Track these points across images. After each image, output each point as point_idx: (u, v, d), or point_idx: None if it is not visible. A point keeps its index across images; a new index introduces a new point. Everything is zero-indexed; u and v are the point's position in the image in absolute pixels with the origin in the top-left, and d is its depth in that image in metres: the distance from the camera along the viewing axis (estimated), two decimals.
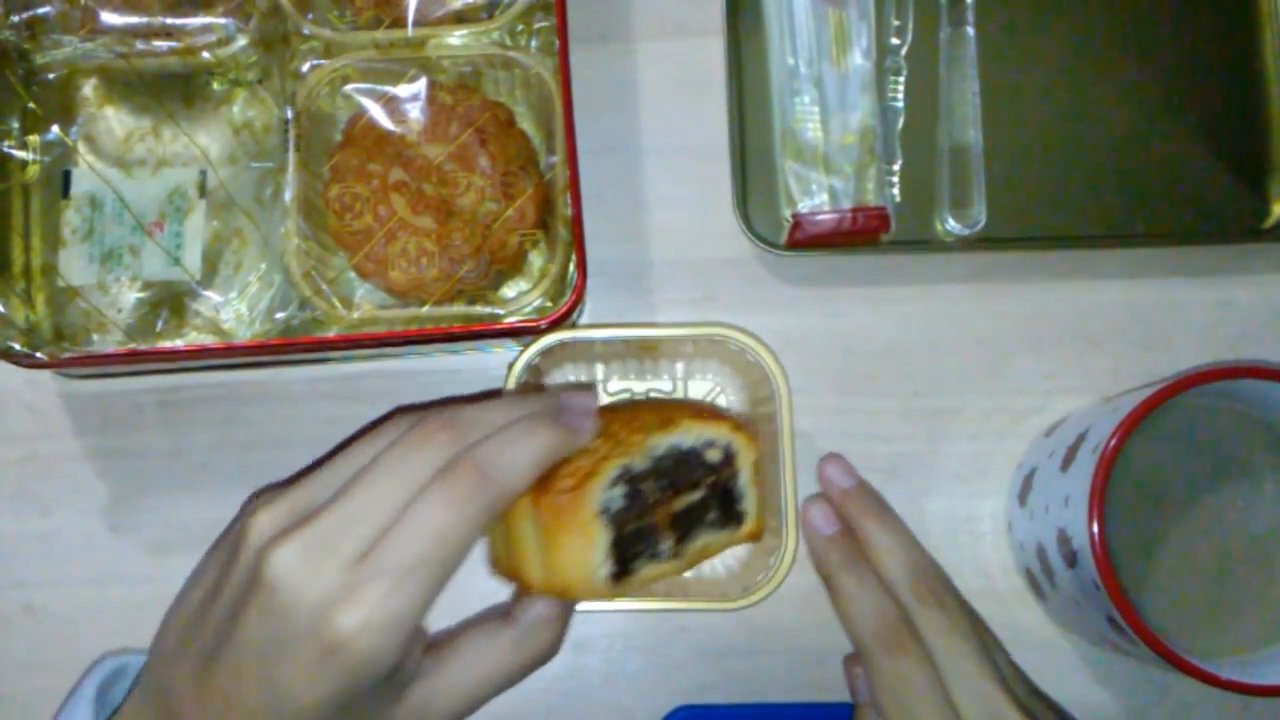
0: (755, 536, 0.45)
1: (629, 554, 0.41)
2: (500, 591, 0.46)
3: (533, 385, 0.52)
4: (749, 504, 0.45)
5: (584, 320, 0.58)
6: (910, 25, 0.59)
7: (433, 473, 0.40)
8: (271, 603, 0.39)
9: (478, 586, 0.46)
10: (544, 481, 0.41)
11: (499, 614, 0.44)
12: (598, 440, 0.43)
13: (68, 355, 0.52)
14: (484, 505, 0.40)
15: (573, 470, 0.41)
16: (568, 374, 0.57)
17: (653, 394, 0.57)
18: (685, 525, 0.43)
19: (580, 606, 0.51)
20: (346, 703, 0.40)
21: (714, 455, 0.44)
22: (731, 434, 0.45)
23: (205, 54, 0.54)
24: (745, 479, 0.45)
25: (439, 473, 0.40)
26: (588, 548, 0.40)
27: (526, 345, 0.53)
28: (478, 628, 0.44)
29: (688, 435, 0.44)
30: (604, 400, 0.57)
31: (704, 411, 0.46)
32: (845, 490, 0.53)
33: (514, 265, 0.55)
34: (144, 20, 0.54)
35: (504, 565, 0.44)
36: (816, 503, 0.53)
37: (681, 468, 0.43)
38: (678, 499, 0.43)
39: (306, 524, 0.40)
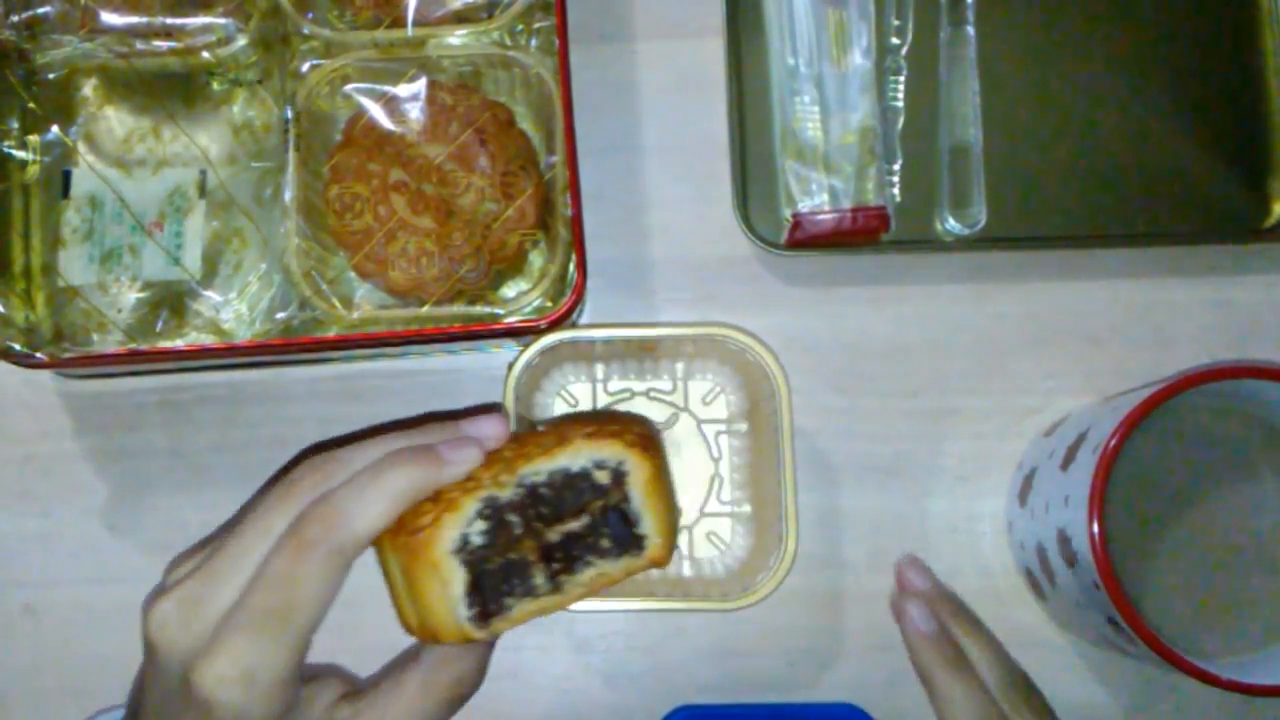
0: (660, 561, 0.41)
1: (495, 592, 0.39)
2: None
3: (458, 412, 0.49)
4: (648, 526, 0.40)
5: (584, 320, 0.58)
6: (910, 25, 0.59)
7: (290, 522, 0.40)
8: (154, 661, 0.41)
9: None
10: (408, 515, 0.40)
11: (412, 654, 0.43)
12: (481, 470, 0.40)
13: (68, 355, 0.52)
14: (328, 552, 0.39)
15: (434, 504, 0.39)
16: (567, 374, 0.57)
17: (653, 394, 0.57)
18: (568, 555, 0.39)
19: (580, 606, 0.51)
20: None
21: (601, 477, 0.40)
22: (623, 452, 0.40)
23: (205, 54, 0.54)
24: (639, 499, 0.40)
25: (290, 523, 0.40)
26: (443, 589, 0.38)
27: (526, 345, 0.53)
28: (390, 672, 0.43)
29: (571, 458, 0.40)
30: (594, 403, 0.57)
31: (600, 429, 0.41)
32: (928, 592, 0.54)
33: (514, 265, 0.55)
34: (144, 20, 0.54)
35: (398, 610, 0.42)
36: (913, 601, 0.53)
37: (563, 493, 0.39)
38: (555, 527, 0.39)
39: (183, 581, 0.41)
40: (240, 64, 0.55)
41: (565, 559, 0.39)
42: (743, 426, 0.56)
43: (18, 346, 0.51)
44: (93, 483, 0.57)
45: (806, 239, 0.56)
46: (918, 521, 0.56)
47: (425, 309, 0.53)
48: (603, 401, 0.57)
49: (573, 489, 0.39)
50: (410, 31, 0.54)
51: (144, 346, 0.52)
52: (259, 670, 0.39)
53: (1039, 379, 0.57)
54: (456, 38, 0.54)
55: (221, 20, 0.54)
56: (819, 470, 0.57)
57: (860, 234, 0.56)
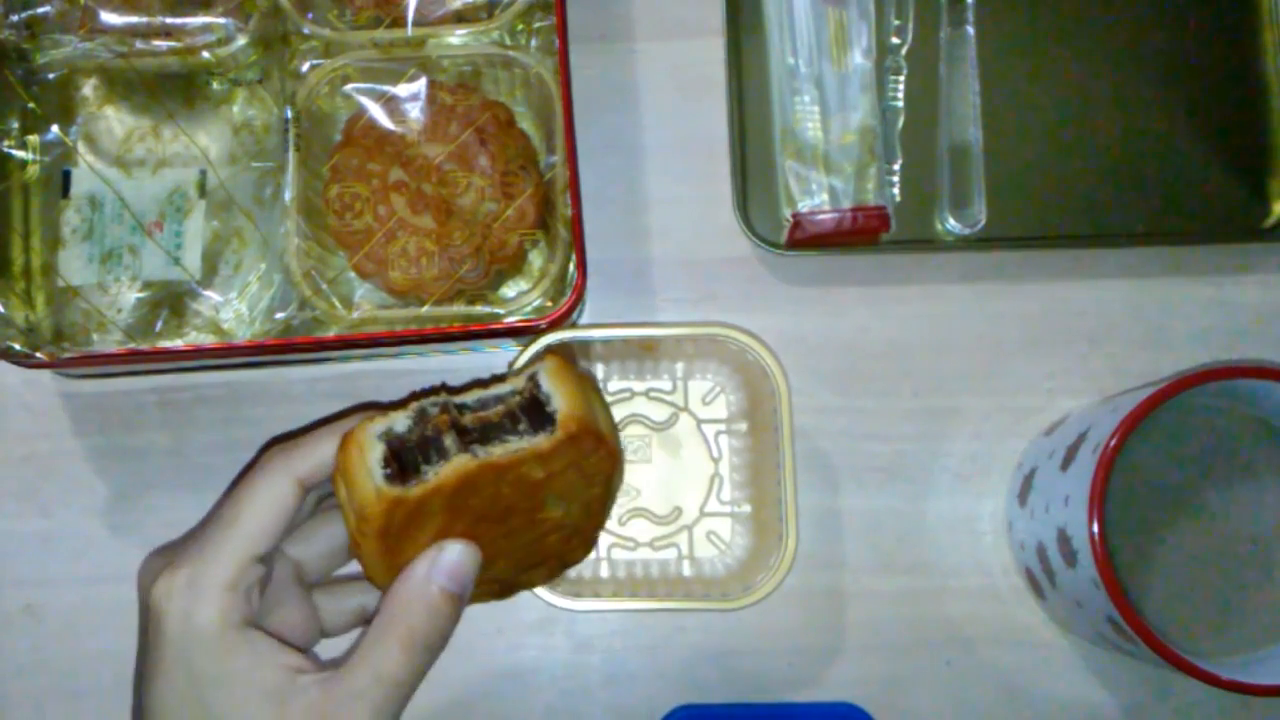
0: (572, 431, 0.41)
1: (410, 458, 0.41)
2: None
3: None
4: (557, 402, 0.42)
5: (584, 320, 0.58)
6: (910, 25, 0.59)
7: None
8: (141, 603, 0.42)
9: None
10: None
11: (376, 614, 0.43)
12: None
13: (68, 355, 0.52)
14: (275, 477, 0.41)
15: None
16: None
17: (653, 394, 0.57)
18: (484, 435, 0.42)
19: (580, 606, 0.51)
20: (187, 689, 0.40)
21: (518, 383, 0.43)
22: (540, 363, 0.43)
23: (205, 54, 0.54)
24: (548, 383, 0.42)
25: None
26: (365, 463, 0.40)
27: (526, 345, 0.53)
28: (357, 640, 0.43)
29: (497, 387, 0.43)
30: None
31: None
32: None
33: (514, 265, 0.55)
34: (144, 20, 0.54)
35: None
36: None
37: (486, 401, 0.42)
38: (473, 416, 0.42)
39: (170, 543, 0.45)
40: (240, 64, 0.55)
41: (481, 436, 0.41)
42: (743, 426, 0.56)
43: (18, 346, 0.51)
44: (93, 483, 0.57)
45: (806, 239, 0.56)
46: (918, 521, 0.56)
47: (425, 309, 0.53)
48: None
49: (496, 400, 0.42)
50: (410, 31, 0.54)
51: (144, 346, 0.52)
52: (201, 574, 0.40)
53: (1039, 379, 0.57)
54: (456, 38, 0.54)
55: (221, 20, 0.54)
56: (819, 470, 0.57)
57: (860, 234, 0.56)
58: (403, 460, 0.40)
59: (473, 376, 0.57)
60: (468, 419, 0.42)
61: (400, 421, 0.41)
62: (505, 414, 0.42)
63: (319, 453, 0.42)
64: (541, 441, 0.41)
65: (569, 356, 0.45)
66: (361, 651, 0.41)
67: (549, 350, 0.45)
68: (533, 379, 0.42)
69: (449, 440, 0.41)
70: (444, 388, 0.44)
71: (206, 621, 0.40)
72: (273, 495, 0.41)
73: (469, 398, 0.42)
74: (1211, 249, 0.58)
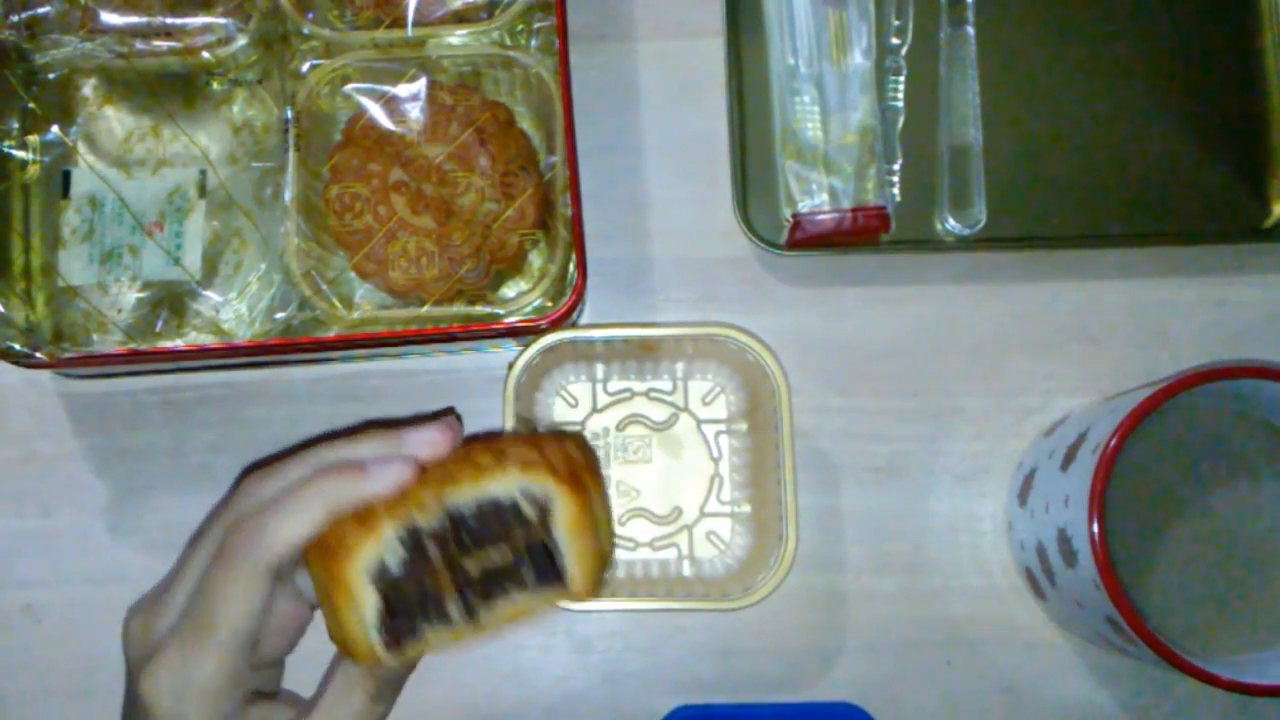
0: (581, 597, 0.40)
1: (409, 619, 0.39)
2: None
3: (423, 416, 0.48)
4: (570, 562, 0.39)
5: (584, 320, 0.58)
6: (910, 25, 0.59)
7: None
8: (127, 673, 0.43)
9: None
10: (333, 534, 0.39)
11: (334, 668, 0.43)
12: (413, 488, 0.40)
13: (68, 355, 0.52)
14: (247, 564, 0.39)
15: (359, 525, 0.39)
16: (567, 374, 0.57)
17: (653, 394, 0.57)
18: (486, 586, 0.39)
19: (580, 606, 0.51)
20: None
21: (528, 509, 0.39)
22: (550, 486, 0.39)
23: (205, 54, 0.54)
24: (563, 536, 0.39)
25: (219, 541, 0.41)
26: (357, 612, 0.38)
27: (526, 345, 0.53)
28: (320, 688, 0.43)
29: (500, 487, 0.39)
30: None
31: (534, 457, 0.40)
32: None
33: (514, 265, 0.55)
34: (144, 20, 0.54)
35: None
36: None
37: (488, 523, 0.39)
38: (475, 558, 0.39)
39: (147, 597, 0.44)
40: (240, 64, 0.55)
41: (483, 589, 0.39)
42: (743, 426, 0.56)
43: (18, 346, 0.51)
44: (93, 483, 0.57)
45: (806, 239, 0.56)
46: (918, 521, 0.56)
47: (425, 309, 0.53)
48: (602, 401, 0.57)
49: (498, 518, 0.40)
50: (410, 31, 0.54)
51: (144, 346, 0.52)
52: (189, 679, 0.40)
53: (1039, 379, 0.57)
54: (456, 38, 0.54)
55: (221, 20, 0.54)
56: (819, 470, 0.57)
57: (860, 234, 0.56)
58: (396, 615, 0.39)
59: (473, 376, 0.57)
60: (470, 564, 0.39)
61: (394, 556, 0.38)
62: (511, 558, 0.40)
63: (287, 537, 0.40)
64: (546, 596, 0.40)
65: (589, 482, 0.41)
66: (325, 704, 0.42)
67: (570, 467, 0.40)
68: (545, 518, 0.39)
69: (451, 607, 0.39)
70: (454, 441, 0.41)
71: None
72: (248, 593, 0.40)
73: (467, 508, 0.39)
74: (1211, 249, 0.58)
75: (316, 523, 0.40)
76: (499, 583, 0.40)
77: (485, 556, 0.39)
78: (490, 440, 0.43)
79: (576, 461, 0.41)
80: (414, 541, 0.39)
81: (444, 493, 0.39)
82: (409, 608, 0.39)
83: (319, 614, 0.44)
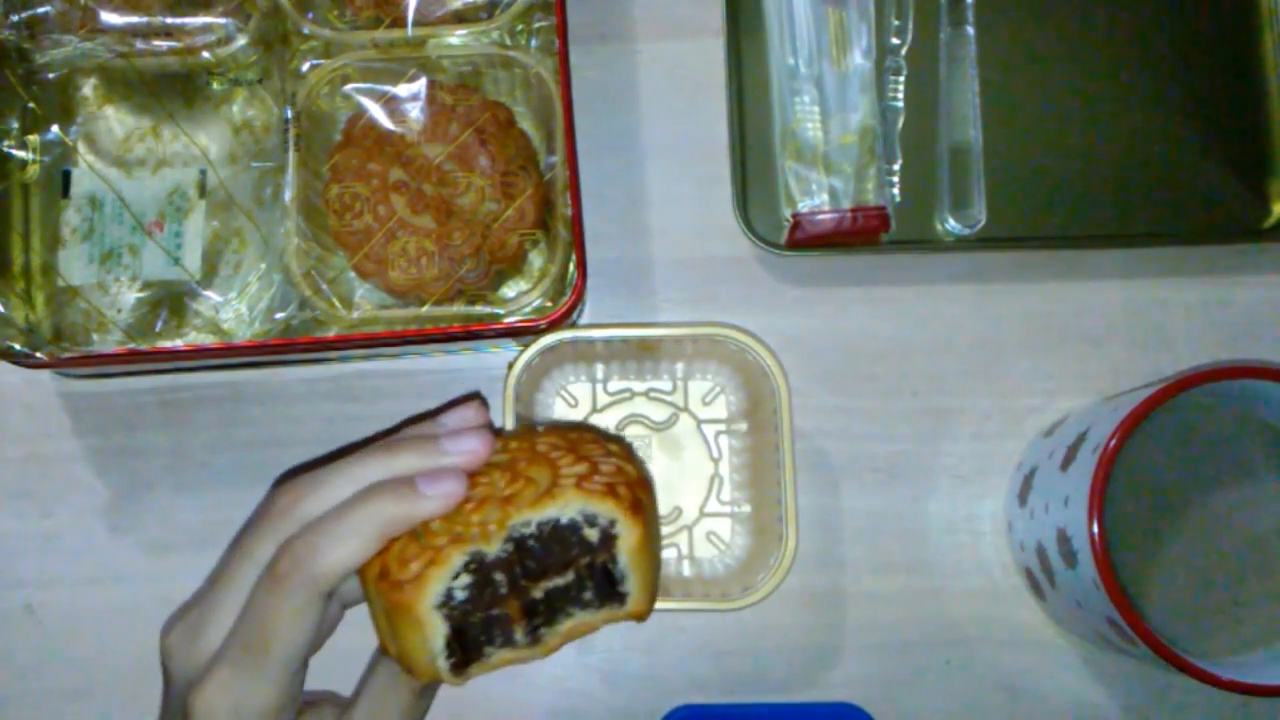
0: (641, 617, 0.41)
1: (475, 643, 0.39)
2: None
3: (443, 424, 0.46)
4: (631, 585, 0.40)
5: (584, 320, 0.58)
6: (910, 25, 0.59)
7: (272, 553, 0.41)
8: (166, 688, 0.43)
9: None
10: (394, 559, 0.39)
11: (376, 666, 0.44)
12: (469, 509, 0.40)
13: (68, 355, 0.52)
14: (300, 588, 0.39)
15: (420, 549, 0.39)
16: (567, 374, 0.57)
17: (653, 394, 0.57)
18: (550, 608, 0.40)
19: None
20: None
21: (591, 534, 0.40)
22: (614, 510, 0.40)
23: (205, 54, 0.54)
24: (626, 561, 0.40)
25: (272, 555, 0.40)
26: (425, 640, 0.38)
27: (526, 345, 0.53)
28: (362, 686, 0.44)
29: (561, 510, 0.39)
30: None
31: (592, 474, 0.40)
32: None
33: (514, 265, 0.55)
34: (144, 20, 0.54)
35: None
36: None
37: (551, 547, 0.39)
38: (539, 583, 0.39)
39: (189, 609, 0.42)
40: (240, 64, 0.55)
41: (547, 612, 0.40)
42: (743, 426, 0.56)
43: (18, 346, 0.51)
44: (93, 483, 0.57)
45: (806, 239, 0.56)
46: (918, 521, 0.56)
47: (425, 309, 0.53)
48: (602, 401, 0.57)
49: (561, 542, 0.40)
50: (410, 31, 0.54)
51: (144, 346, 0.52)
52: (244, 701, 0.40)
53: (1039, 379, 0.57)
54: (456, 38, 0.54)
55: (221, 20, 0.54)
56: (819, 470, 0.57)
57: (860, 234, 0.56)
58: (464, 641, 0.39)
59: (473, 376, 0.57)
60: (535, 590, 0.39)
61: (461, 587, 0.38)
62: (574, 579, 0.40)
63: (343, 561, 0.39)
64: (604, 615, 0.40)
65: (647, 503, 0.41)
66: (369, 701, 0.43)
67: (631, 491, 0.40)
68: (609, 543, 0.40)
69: (518, 633, 0.39)
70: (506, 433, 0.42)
71: None
72: (302, 617, 0.39)
73: (530, 530, 0.39)
74: (1211, 249, 0.58)
75: (371, 546, 0.39)
76: (561, 604, 0.40)
77: (549, 580, 0.40)
78: (531, 441, 0.43)
79: (633, 479, 0.41)
80: (480, 570, 0.39)
81: (506, 515, 0.39)
82: (475, 634, 0.39)
83: (348, 612, 0.45)
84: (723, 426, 0.57)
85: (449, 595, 0.38)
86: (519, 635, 0.40)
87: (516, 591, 0.39)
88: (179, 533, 0.56)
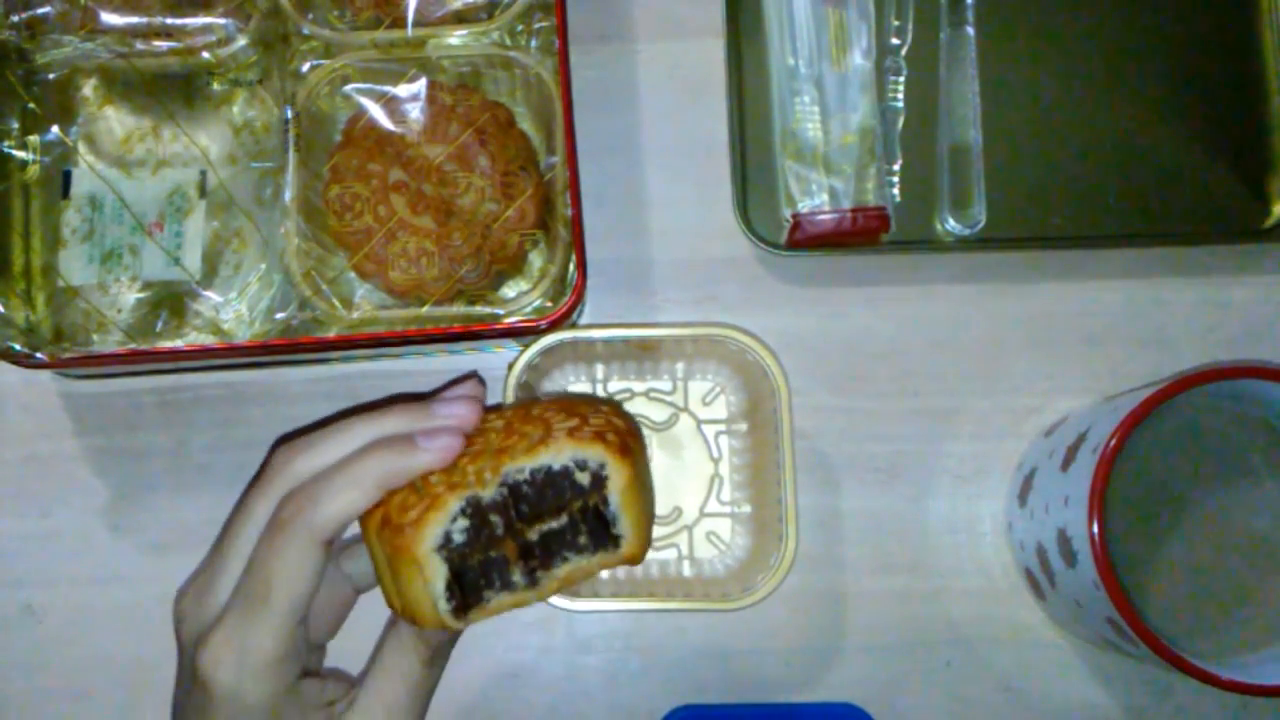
0: (635, 559, 0.42)
1: (475, 586, 0.40)
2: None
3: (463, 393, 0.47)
4: (624, 527, 0.42)
5: (584, 320, 0.58)
6: (910, 25, 0.59)
7: (271, 511, 0.42)
8: (179, 651, 0.44)
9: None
10: (394, 508, 0.41)
11: (390, 636, 0.44)
12: (465, 460, 0.42)
13: (68, 355, 0.52)
14: (301, 534, 0.40)
15: (420, 498, 0.40)
16: (568, 374, 0.57)
17: (653, 394, 0.57)
18: (546, 551, 0.41)
19: (580, 606, 0.52)
20: None
21: (582, 478, 0.41)
22: (603, 454, 0.41)
23: (205, 54, 0.54)
24: (617, 502, 0.41)
25: (271, 514, 0.42)
26: (426, 583, 0.39)
27: (526, 345, 0.53)
28: (374, 659, 0.44)
29: (554, 457, 0.41)
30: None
31: (582, 424, 0.42)
32: None
33: (514, 265, 0.55)
34: (144, 20, 0.54)
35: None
36: None
37: (544, 491, 0.41)
38: (534, 526, 0.41)
39: (195, 575, 0.44)
40: (240, 64, 0.55)
41: (543, 555, 0.41)
42: (743, 426, 0.56)
43: (18, 346, 0.51)
44: (93, 483, 0.57)
45: (806, 239, 0.56)
46: (918, 522, 0.56)
47: (425, 309, 0.53)
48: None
49: (554, 486, 0.41)
50: (410, 31, 0.54)
51: (144, 346, 0.52)
52: (248, 650, 0.40)
53: (1039, 379, 0.57)
54: (456, 38, 0.54)
55: (221, 20, 0.54)
56: (819, 470, 0.57)
57: (860, 234, 0.56)
58: (464, 584, 0.40)
59: (472, 374, 0.57)
60: (531, 533, 0.41)
61: (459, 530, 0.40)
62: (568, 523, 0.41)
63: (342, 509, 0.41)
64: (600, 559, 0.42)
65: (637, 449, 0.43)
66: (380, 671, 0.43)
67: (620, 436, 0.42)
68: (600, 484, 0.41)
69: (516, 575, 0.41)
70: (490, 409, 0.43)
71: (257, 700, 0.41)
72: (302, 563, 0.40)
73: (524, 477, 0.41)
74: (1211, 249, 0.58)
75: (370, 496, 0.41)
76: (557, 547, 0.41)
77: (543, 523, 0.41)
78: (526, 407, 0.44)
79: (621, 428, 0.43)
80: (477, 513, 0.40)
81: (500, 463, 0.41)
82: (474, 576, 0.40)
83: (361, 599, 0.45)
84: (723, 426, 0.57)
85: (447, 538, 0.40)
86: (517, 578, 0.41)
87: (512, 534, 0.41)
88: (179, 533, 0.56)
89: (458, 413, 0.43)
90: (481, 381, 0.49)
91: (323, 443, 0.43)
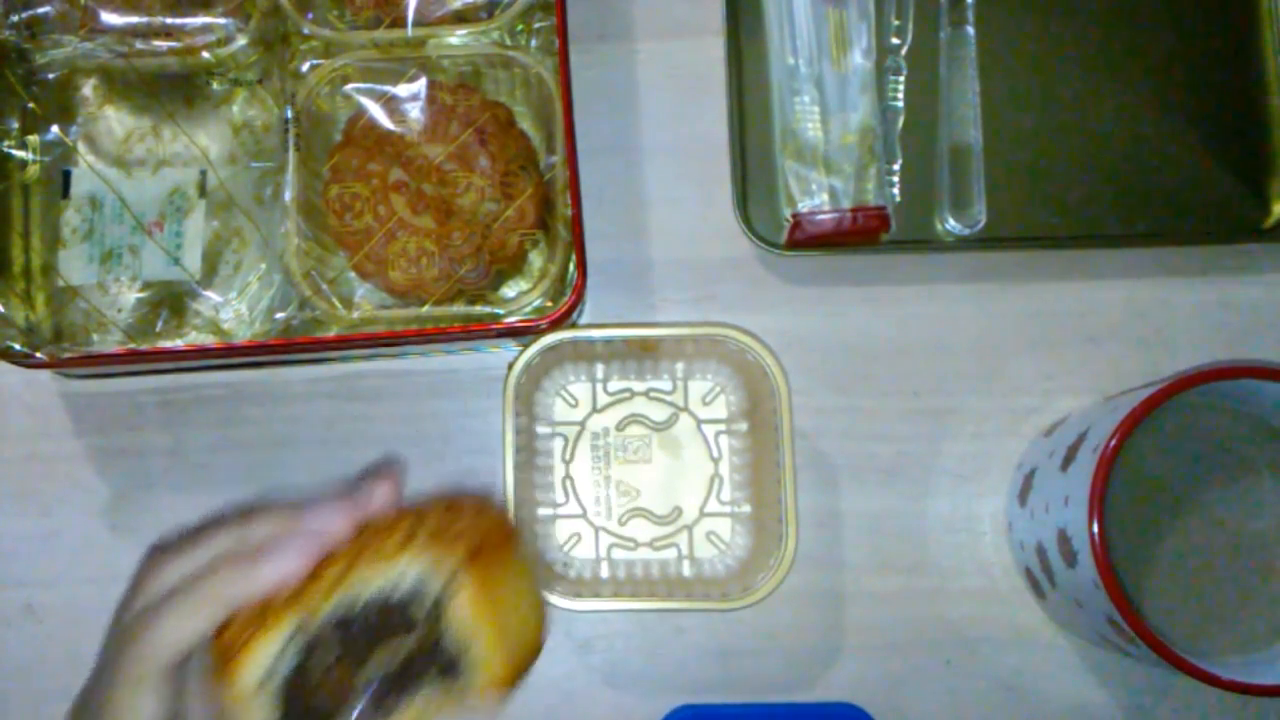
0: (495, 693, 0.38)
1: (298, 698, 0.37)
2: None
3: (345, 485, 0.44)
4: (476, 655, 0.37)
5: (584, 320, 0.58)
6: (910, 25, 0.59)
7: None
8: None
9: None
10: (225, 629, 0.38)
11: None
12: (310, 581, 0.38)
13: (68, 355, 0.52)
14: (137, 676, 0.38)
15: (254, 622, 0.37)
16: (568, 374, 0.57)
17: (653, 394, 0.57)
18: (387, 686, 0.37)
19: (580, 606, 0.52)
20: None
21: (426, 599, 0.37)
22: (449, 575, 0.37)
23: (205, 54, 0.54)
24: (463, 630, 0.37)
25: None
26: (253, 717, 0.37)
27: (526, 345, 0.53)
28: None
29: (390, 580, 0.37)
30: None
31: (430, 542, 0.37)
32: None
33: (514, 265, 0.55)
34: (144, 20, 0.54)
35: None
36: None
37: (386, 618, 0.37)
38: (375, 656, 0.37)
39: (82, 689, 0.42)
40: (240, 64, 0.55)
41: (382, 692, 0.38)
42: (743, 426, 0.56)
43: (18, 346, 0.51)
44: (93, 483, 0.57)
45: (806, 239, 0.56)
46: (918, 521, 0.56)
47: (425, 309, 0.53)
48: (602, 401, 0.57)
49: (399, 612, 0.37)
50: (410, 31, 0.54)
51: (144, 346, 0.52)
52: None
53: (1039, 379, 0.57)
54: (456, 38, 0.54)
55: (221, 20, 0.54)
56: (819, 470, 0.57)
57: (860, 234, 0.56)
58: (290, 700, 0.37)
59: (473, 376, 0.57)
60: (371, 663, 0.37)
61: (285, 657, 0.36)
62: (414, 653, 0.37)
63: (184, 637, 0.38)
64: (457, 692, 0.38)
65: (491, 562, 0.38)
66: None
67: (471, 550, 0.37)
68: (439, 610, 0.37)
69: (362, 711, 0.37)
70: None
71: None
72: (143, 699, 0.38)
73: (361, 606, 0.36)
74: (1211, 249, 0.58)
75: (211, 619, 0.38)
76: (402, 682, 0.37)
77: (387, 652, 0.37)
78: (404, 515, 0.40)
79: (480, 535, 0.38)
80: (308, 641, 0.37)
81: (343, 583, 0.37)
82: (304, 713, 0.37)
83: None
84: (723, 426, 0.57)
85: (273, 670, 0.37)
86: (361, 713, 0.37)
87: (350, 667, 0.37)
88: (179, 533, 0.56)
89: (324, 518, 0.39)
90: (400, 475, 0.43)
91: (187, 553, 0.40)
